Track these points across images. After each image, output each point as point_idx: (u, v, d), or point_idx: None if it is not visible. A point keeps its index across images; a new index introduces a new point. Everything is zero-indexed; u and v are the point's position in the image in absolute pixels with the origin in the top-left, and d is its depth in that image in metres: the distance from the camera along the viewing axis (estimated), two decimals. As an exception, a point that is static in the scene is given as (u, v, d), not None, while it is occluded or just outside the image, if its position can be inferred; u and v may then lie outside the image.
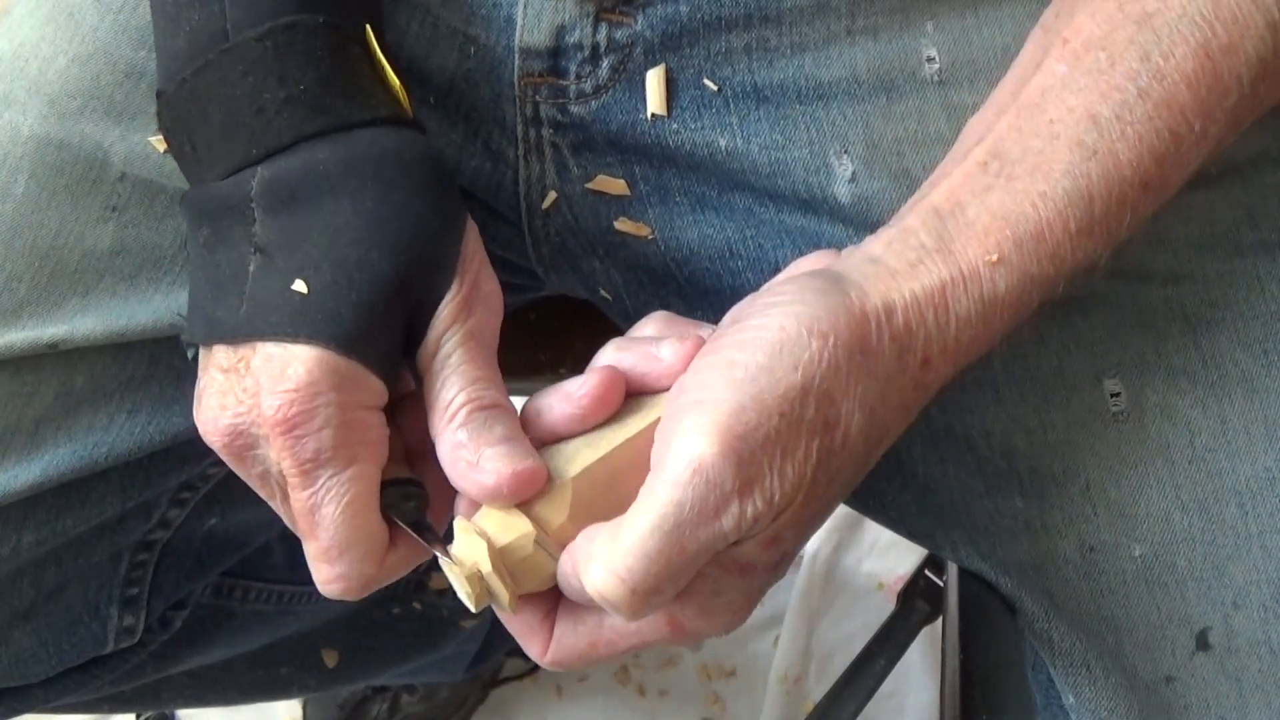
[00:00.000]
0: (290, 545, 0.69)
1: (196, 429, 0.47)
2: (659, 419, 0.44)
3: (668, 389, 0.45)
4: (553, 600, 0.46)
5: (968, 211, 0.43)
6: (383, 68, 0.48)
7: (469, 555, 0.44)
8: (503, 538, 0.44)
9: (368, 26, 0.48)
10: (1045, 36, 0.46)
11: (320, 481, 0.44)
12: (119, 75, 0.54)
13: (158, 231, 0.53)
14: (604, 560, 0.41)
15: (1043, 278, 0.43)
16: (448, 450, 0.45)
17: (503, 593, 0.44)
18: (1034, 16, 0.48)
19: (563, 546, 0.44)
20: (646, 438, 0.45)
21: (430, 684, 1.12)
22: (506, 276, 0.62)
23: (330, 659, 0.80)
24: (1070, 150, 0.43)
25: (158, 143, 0.53)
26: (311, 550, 0.46)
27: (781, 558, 0.44)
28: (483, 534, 0.44)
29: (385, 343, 0.45)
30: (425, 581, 0.88)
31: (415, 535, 0.47)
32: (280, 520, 0.48)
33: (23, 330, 0.51)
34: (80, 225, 0.53)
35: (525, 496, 0.44)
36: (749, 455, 0.40)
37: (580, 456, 0.45)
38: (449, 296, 0.46)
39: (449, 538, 0.46)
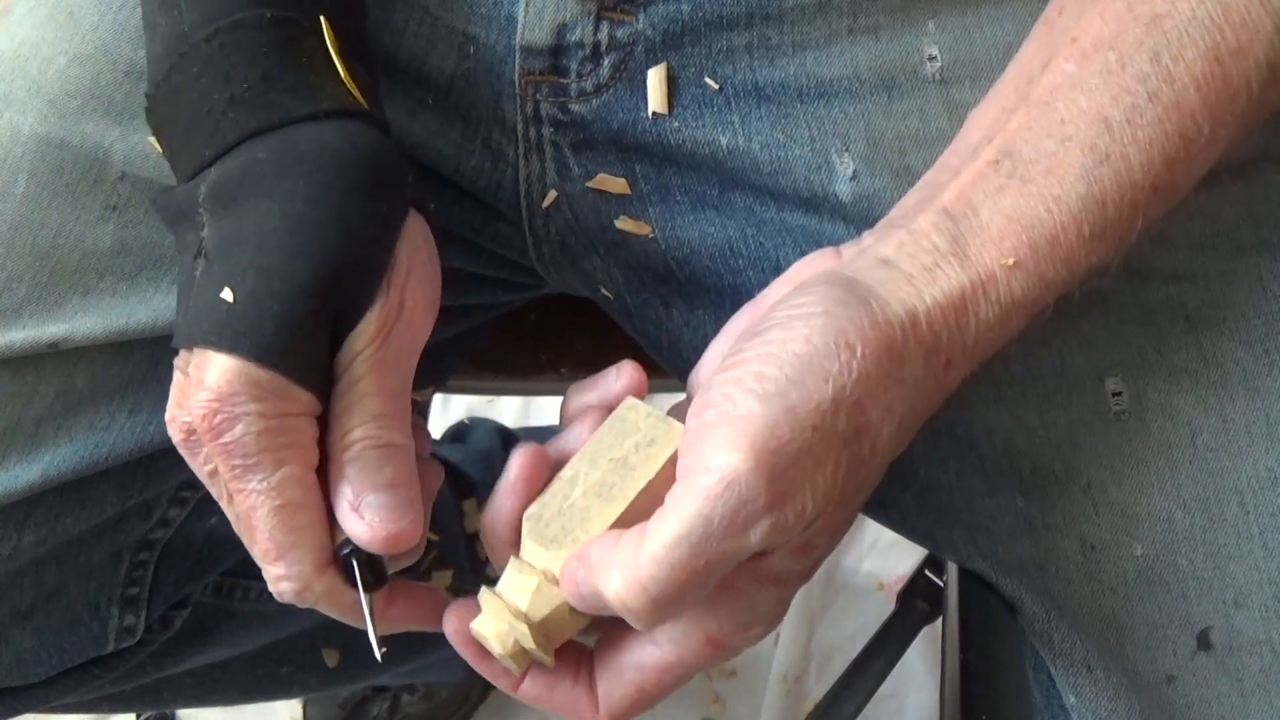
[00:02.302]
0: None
1: None
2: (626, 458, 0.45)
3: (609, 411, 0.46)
4: (577, 663, 0.47)
5: (980, 214, 0.43)
6: (333, 60, 0.48)
7: (504, 629, 0.45)
8: (539, 611, 0.45)
9: (322, 18, 0.48)
10: (1050, 33, 0.46)
11: (251, 485, 0.44)
12: (119, 75, 0.54)
13: (158, 231, 0.53)
14: (627, 567, 0.40)
15: (1058, 281, 0.43)
16: (332, 479, 0.46)
17: (545, 658, 0.45)
18: (1035, 15, 0.48)
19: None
20: (661, 479, 0.45)
21: (430, 684, 1.12)
22: (507, 276, 0.63)
23: (331, 659, 0.80)
24: (1083, 154, 0.43)
25: (157, 142, 0.53)
26: (255, 554, 0.46)
27: (813, 564, 0.44)
28: (518, 612, 0.45)
29: (310, 353, 0.45)
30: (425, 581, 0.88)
31: (359, 590, 0.47)
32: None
33: (23, 330, 0.51)
34: (80, 225, 0.53)
35: (396, 552, 0.46)
36: (782, 470, 0.40)
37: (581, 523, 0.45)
38: (370, 314, 0.46)
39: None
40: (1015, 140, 0.44)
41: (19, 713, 0.59)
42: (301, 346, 0.44)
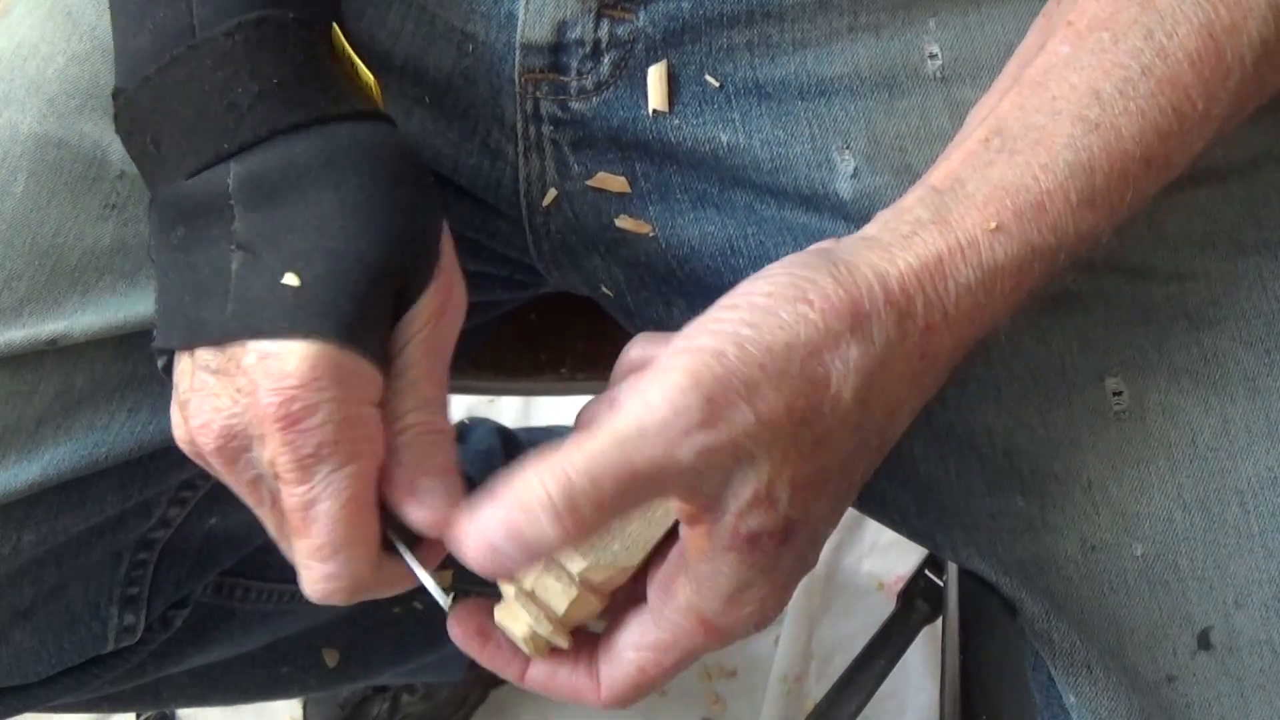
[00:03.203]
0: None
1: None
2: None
3: None
4: (577, 649, 0.47)
5: (967, 186, 0.43)
6: (354, 64, 0.48)
7: (530, 623, 0.46)
8: (572, 614, 0.46)
9: (335, 25, 0.48)
10: (1047, 23, 0.47)
11: (318, 478, 0.44)
12: (118, 74, 0.54)
13: (158, 230, 0.53)
14: (556, 458, 0.40)
15: (1044, 247, 0.43)
16: (387, 461, 0.46)
17: (563, 642, 0.47)
18: (1037, 12, 0.48)
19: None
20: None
21: (430, 684, 1.12)
22: (507, 274, 0.63)
23: (331, 658, 0.80)
24: (1072, 124, 0.43)
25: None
26: (303, 548, 0.45)
27: (786, 526, 0.42)
28: (550, 613, 0.46)
29: (379, 332, 0.45)
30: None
31: (412, 563, 0.47)
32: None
33: (23, 328, 0.51)
34: (80, 223, 0.53)
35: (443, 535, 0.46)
36: (720, 393, 0.40)
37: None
38: (425, 296, 0.46)
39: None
40: (1006, 119, 0.44)
41: (18, 712, 0.59)
42: (375, 325, 0.45)
